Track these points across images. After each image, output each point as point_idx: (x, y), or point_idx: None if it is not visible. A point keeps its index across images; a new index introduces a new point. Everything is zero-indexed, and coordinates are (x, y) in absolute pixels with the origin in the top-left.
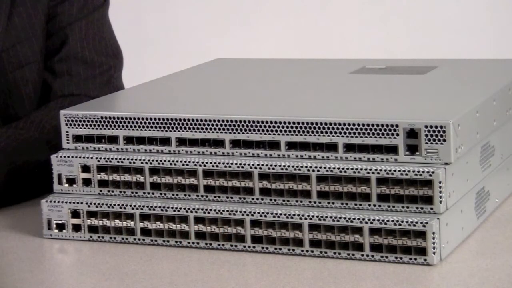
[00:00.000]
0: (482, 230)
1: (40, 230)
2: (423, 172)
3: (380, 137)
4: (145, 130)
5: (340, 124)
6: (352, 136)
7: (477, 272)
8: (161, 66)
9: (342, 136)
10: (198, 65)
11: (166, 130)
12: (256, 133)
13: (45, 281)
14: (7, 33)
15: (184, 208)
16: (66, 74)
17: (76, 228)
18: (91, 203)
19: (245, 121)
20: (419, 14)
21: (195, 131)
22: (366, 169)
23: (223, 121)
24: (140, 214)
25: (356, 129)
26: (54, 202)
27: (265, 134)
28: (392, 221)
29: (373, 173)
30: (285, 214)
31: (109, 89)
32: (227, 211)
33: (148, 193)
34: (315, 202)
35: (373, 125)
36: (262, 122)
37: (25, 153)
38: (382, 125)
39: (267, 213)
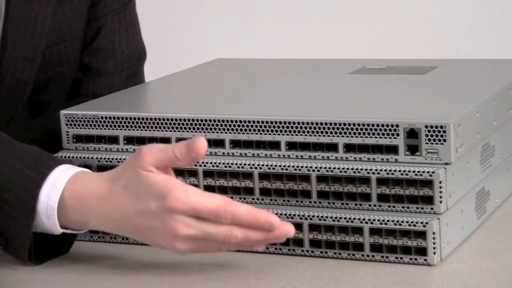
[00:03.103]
0: (482, 230)
1: None
2: (423, 172)
3: (380, 137)
4: (145, 130)
5: (340, 124)
6: (352, 136)
7: (477, 272)
8: (161, 66)
9: (342, 136)
10: (198, 65)
11: (166, 130)
12: (256, 133)
13: (45, 281)
14: (52, 32)
15: None
16: (93, 70)
17: None
18: None
19: (245, 121)
20: (419, 14)
21: (195, 131)
22: (366, 169)
23: (223, 121)
24: None
25: (356, 129)
26: None
27: (265, 134)
28: (392, 221)
29: (373, 173)
30: (285, 214)
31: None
32: None
33: None
34: (315, 202)
35: (373, 125)
36: (262, 122)
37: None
38: (382, 125)
39: None
